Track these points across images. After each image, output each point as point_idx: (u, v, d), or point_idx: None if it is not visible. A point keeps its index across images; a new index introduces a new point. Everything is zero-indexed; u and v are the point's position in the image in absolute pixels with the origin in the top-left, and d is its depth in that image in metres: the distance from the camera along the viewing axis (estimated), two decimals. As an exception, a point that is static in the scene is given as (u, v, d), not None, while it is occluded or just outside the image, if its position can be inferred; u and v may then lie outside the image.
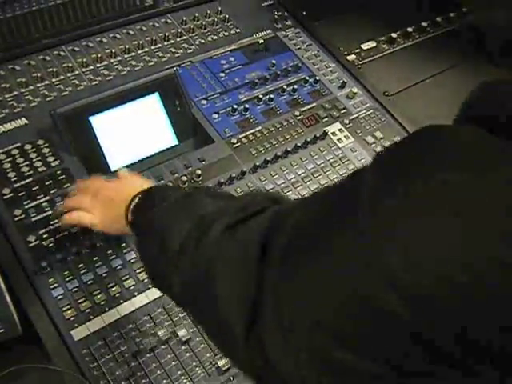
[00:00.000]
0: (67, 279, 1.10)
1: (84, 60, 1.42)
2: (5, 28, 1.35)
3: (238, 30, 1.62)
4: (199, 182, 1.29)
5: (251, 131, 1.41)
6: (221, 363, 1.07)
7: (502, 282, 0.41)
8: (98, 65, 1.43)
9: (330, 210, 0.55)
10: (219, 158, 1.34)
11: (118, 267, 1.14)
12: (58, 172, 1.23)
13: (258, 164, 1.33)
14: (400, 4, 1.87)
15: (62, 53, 1.43)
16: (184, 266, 0.72)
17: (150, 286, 1.12)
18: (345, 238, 0.50)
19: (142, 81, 1.34)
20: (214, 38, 1.58)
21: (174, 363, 1.06)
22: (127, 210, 0.95)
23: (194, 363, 1.07)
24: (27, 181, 1.21)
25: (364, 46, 1.71)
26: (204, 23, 1.59)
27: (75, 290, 1.09)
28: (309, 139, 1.40)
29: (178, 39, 1.54)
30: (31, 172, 1.22)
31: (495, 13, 1.70)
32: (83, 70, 1.41)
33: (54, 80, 1.38)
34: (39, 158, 1.24)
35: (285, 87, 1.50)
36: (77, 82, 1.39)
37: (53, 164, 1.24)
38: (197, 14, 1.60)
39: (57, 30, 1.43)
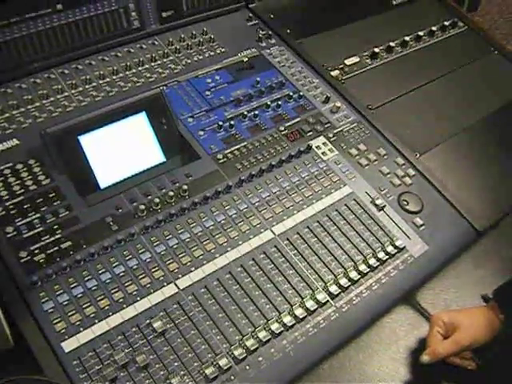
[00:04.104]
0: (58, 293, 1.14)
1: (73, 82, 1.47)
2: (-4, 53, 1.40)
3: (223, 50, 1.67)
4: (186, 197, 1.32)
5: (236, 147, 1.45)
6: (208, 371, 1.09)
7: None
8: (87, 86, 1.48)
9: None
10: (205, 173, 1.38)
11: (107, 280, 1.17)
12: (49, 190, 1.27)
13: (243, 178, 1.37)
14: (382, 19, 1.92)
15: (52, 75, 1.48)
16: None
17: (138, 298, 1.16)
18: None
19: (129, 100, 1.38)
20: (200, 57, 1.63)
21: (162, 373, 1.09)
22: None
23: (182, 372, 1.09)
24: (19, 199, 1.25)
25: (347, 62, 1.76)
26: (190, 44, 1.64)
27: (65, 303, 1.13)
28: (293, 153, 1.44)
29: (165, 60, 1.59)
30: (22, 190, 1.26)
31: None
32: (73, 91, 1.46)
33: (44, 102, 1.42)
34: (30, 177, 1.28)
35: (269, 103, 1.54)
36: (66, 103, 1.43)
37: (43, 182, 1.28)
38: (183, 35, 1.65)
39: (47, 53, 1.48)
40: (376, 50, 1.80)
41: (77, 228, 1.23)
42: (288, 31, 1.79)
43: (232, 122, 1.47)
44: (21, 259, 1.17)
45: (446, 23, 1.98)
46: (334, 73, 1.71)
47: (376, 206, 1.41)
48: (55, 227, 1.22)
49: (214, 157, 1.41)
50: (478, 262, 1.44)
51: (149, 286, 1.18)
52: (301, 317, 1.20)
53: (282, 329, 1.17)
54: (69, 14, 1.47)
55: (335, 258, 1.30)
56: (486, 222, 1.46)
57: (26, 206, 1.24)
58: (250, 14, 1.81)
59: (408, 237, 1.38)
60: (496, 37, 2.06)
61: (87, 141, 1.32)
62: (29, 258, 1.17)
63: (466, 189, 1.52)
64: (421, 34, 1.91)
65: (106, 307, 1.14)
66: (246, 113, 1.51)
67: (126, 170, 1.37)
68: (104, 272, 1.18)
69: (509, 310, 1.21)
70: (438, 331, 1.22)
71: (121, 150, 1.37)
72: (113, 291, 1.16)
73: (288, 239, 1.30)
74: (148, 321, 1.14)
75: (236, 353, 1.13)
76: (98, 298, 1.15)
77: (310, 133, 1.52)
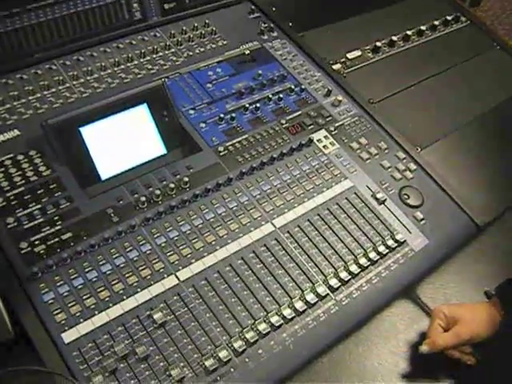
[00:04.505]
0: (58, 284, 1.14)
1: (75, 73, 1.47)
2: (-2, 43, 1.40)
3: (225, 42, 1.67)
4: (187, 189, 1.32)
5: (238, 139, 1.44)
6: (208, 363, 1.10)
7: None
8: (89, 78, 1.48)
9: None
10: (206, 165, 1.38)
11: (108, 272, 1.17)
12: (50, 181, 1.27)
13: (244, 171, 1.37)
14: (384, 13, 1.92)
15: (54, 67, 1.48)
16: None
17: (138, 290, 1.16)
18: None
19: (130, 92, 1.38)
20: (202, 50, 1.63)
21: (162, 364, 1.09)
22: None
23: (182, 364, 1.09)
24: (19, 190, 1.25)
25: (349, 55, 1.76)
26: (192, 36, 1.64)
27: (66, 294, 1.13)
28: (294, 146, 1.44)
29: (167, 52, 1.59)
30: (23, 181, 1.26)
31: None
32: (74, 82, 1.46)
33: (45, 93, 1.42)
34: (31, 168, 1.28)
35: (271, 96, 1.54)
36: (68, 95, 1.43)
37: (44, 173, 1.28)
38: (184, 27, 1.65)
39: (48, 44, 1.47)
40: (378, 44, 1.80)
41: (77, 219, 1.23)
42: (290, 24, 1.78)
43: (233, 115, 1.47)
44: (21, 250, 1.17)
45: (449, 18, 1.98)
46: (336, 66, 1.71)
47: (377, 199, 1.41)
48: (56, 218, 1.22)
49: (215, 149, 1.41)
50: (479, 257, 1.44)
51: (149, 277, 1.18)
52: (301, 310, 1.20)
53: (282, 321, 1.18)
54: (70, 5, 1.47)
55: (335, 252, 1.30)
56: (486, 217, 1.46)
57: (26, 197, 1.24)
58: (252, 7, 1.80)
59: (408, 231, 1.38)
60: (498, 32, 2.05)
61: (88, 132, 1.32)
62: (29, 249, 1.17)
63: (467, 183, 1.52)
64: (423, 28, 1.90)
65: (107, 298, 1.14)
66: (247, 105, 1.50)
67: (127, 162, 1.36)
68: (104, 263, 1.18)
69: (510, 307, 1.21)
70: (438, 324, 1.23)
71: (122, 142, 1.36)
72: (113, 282, 1.16)
73: (288, 232, 1.30)
74: (148, 312, 1.14)
75: (236, 345, 1.13)
76: (99, 290, 1.15)
77: (312, 126, 1.52)
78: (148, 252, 1.21)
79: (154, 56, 1.57)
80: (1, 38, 1.39)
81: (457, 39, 1.95)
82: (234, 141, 1.44)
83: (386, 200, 1.41)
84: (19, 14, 1.40)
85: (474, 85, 1.80)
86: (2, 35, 1.39)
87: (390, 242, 1.33)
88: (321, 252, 1.29)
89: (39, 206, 1.23)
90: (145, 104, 1.39)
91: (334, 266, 1.28)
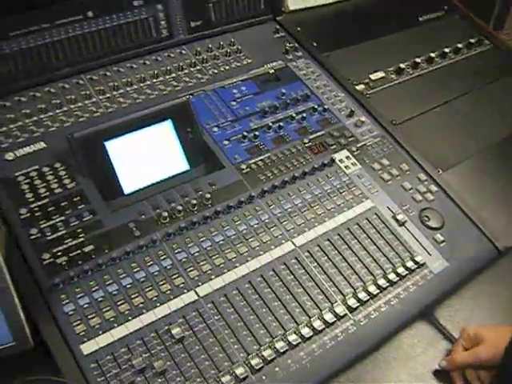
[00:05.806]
0: (78, 296, 1.15)
1: (101, 88, 1.49)
2: (27, 57, 1.42)
3: (250, 61, 1.69)
4: (209, 205, 1.33)
5: (260, 158, 1.45)
6: (225, 380, 1.10)
7: None
8: (115, 93, 1.50)
9: None
10: (229, 182, 1.39)
11: (128, 285, 1.18)
12: (74, 194, 1.29)
13: (266, 189, 1.38)
14: (408, 35, 1.93)
15: (81, 81, 1.50)
16: None
17: (157, 304, 1.17)
18: None
19: (155, 108, 1.40)
20: (227, 68, 1.65)
21: (178, 379, 1.09)
22: None
23: (199, 379, 1.10)
24: (44, 201, 1.27)
25: (373, 77, 1.77)
26: (217, 54, 1.66)
27: (86, 306, 1.14)
28: (316, 166, 1.45)
29: (192, 69, 1.61)
30: (48, 193, 1.28)
31: None
32: (100, 97, 1.48)
33: (72, 106, 1.45)
34: (56, 180, 1.30)
35: (294, 115, 1.55)
36: (94, 109, 1.45)
37: (68, 186, 1.30)
38: (210, 46, 1.67)
39: (76, 59, 1.50)
40: (401, 65, 1.80)
41: (100, 232, 1.25)
42: (314, 44, 1.80)
43: (256, 133, 1.49)
44: (43, 261, 1.18)
45: (472, 40, 1.99)
46: (359, 87, 1.72)
47: (397, 221, 1.41)
48: (78, 230, 1.24)
49: (238, 167, 1.42)
50: (498, 281, 1.42)
51: (169, 292, 1.19)
52: (319, 329, 1.20)
53: (300, 340, 1.18)
54: (99, 22, 1.50)
55: (355, 272, 1.30)
56: (507, 241, 1.45)
57: (50, 209, 1.26)
58: (277, 27, 1.82)
59: (428, 253, 1.37)
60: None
61: (113, 146, 1.34)
62: (51, 260, 1.19)
63: (488, 207, 1.51)
64: (446, 50, 1.91)
65: (126, 312, 1.15)
66: (270, 124, 1.52)
67: (151, 177, 1.38)
68: (125, 277, 1.19)
69: None
70: (461, 343, 1.23)
71: (146, 157, 1.38)
72: (133, 296, 1.17)
73: (308, 251, 1.31)
74: (167, 327, 1.14)
75: (253, 362, 1.13)
76: (119, 303, 1.16)
77: (334, 146, 1.53)
78: (168, 267, 1.22)
79: (180, 73, 1.59)
80: (31, 52, 1.42)
81: (480, 62, 1.95)
82: (257, 159, 1.45)
83: (406, 221, 1.41)
84: (49, 29, 1.43)
85: (497, 107, 1.80)
86: (33, 49, 1.42)
87: (410, 264, 1.33)
88: (340, 272, 1.29)
89: (62, 218, 1.25)
90: (169, 120, 1.41)
91: (352, 286, 1.28)
